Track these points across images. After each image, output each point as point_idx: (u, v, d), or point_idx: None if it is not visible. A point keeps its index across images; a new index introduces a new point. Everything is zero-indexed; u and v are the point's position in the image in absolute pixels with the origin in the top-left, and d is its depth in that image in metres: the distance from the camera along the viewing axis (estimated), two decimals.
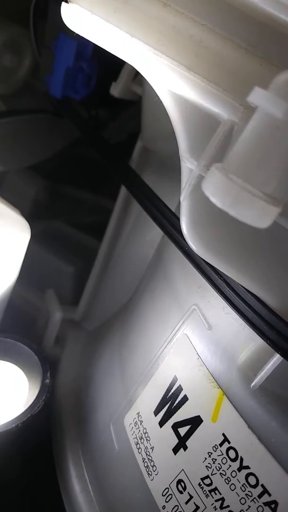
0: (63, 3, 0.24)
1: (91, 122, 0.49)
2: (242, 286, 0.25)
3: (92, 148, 0.46)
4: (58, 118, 0.51)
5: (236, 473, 0.26)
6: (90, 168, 0.59)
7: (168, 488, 0.29)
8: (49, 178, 0.63)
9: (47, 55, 0.45)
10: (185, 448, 0.29)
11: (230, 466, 0.27)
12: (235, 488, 0.26)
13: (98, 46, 0.24)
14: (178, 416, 0.30)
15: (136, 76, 0.42)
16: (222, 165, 0.18)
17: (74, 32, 0.24)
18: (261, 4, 0.19)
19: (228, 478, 0.27)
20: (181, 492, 0.29)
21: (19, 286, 0.43)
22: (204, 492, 0.28)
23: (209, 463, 0.27)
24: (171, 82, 0.22)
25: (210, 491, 0.27)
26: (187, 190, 0.23)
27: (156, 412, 0.31)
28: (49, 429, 0.40)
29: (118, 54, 0.23)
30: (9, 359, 0.40)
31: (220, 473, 0.27)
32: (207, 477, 0.27)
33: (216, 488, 0.27)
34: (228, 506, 0.26)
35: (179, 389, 0.30)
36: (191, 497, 0.28)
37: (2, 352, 0.40)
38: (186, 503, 0.28)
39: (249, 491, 0.26)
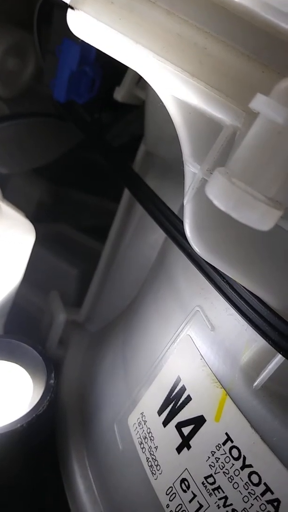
0: (69, 10, 0.24)
1: (94, 125, 0.50)
2: (244, 287, 0.26)
3: (95, 151, 0.46)
4: (62, 121, 0.51)
5: (239, 471, 0.27)
6: (93, 171, 0.60)
7: (172, 487, 0.30)
8: (53, 181, 0.63)
9: (51, 59, 0.46)
10: (189, 447, 0.29)
11: (233, 465, 0.27)
12: (238, 487, 0.27)
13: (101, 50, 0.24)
14: (182, 416, 0.30)
15: (139, 80, 0.42)
16: (225, 169, 0.19)
17: (79, 38, 0.25)
18: (262, 12, 0.20)
19: (231, 477, 0.27)
20: (184, 491, 0.29)
21: (23, 287, 0.44)
22: (208, 491, 0.28)
23: (212, 462, 0.28)
24: (175, 88, 0.22)
25: (213, 489, 0.28)
26: (190, 194, 0.23)
27: (160, 412, 0.31)
28: (54, 429, 0.41)
29: (123, 61, 0.23)
30: (14, 359, 0.40)
31: (223, 472, 0.27)
32: (211, 476, 0.28)
33: (219, 487, 0.27)
34: (231, 504, 0.27)
35: (183, 389, 0.30)
36: (194, 495, 0.29)
37: (6, 353, 0.40)
38: (190, 501, 0.29)
39: (252, 490, 0.26)
